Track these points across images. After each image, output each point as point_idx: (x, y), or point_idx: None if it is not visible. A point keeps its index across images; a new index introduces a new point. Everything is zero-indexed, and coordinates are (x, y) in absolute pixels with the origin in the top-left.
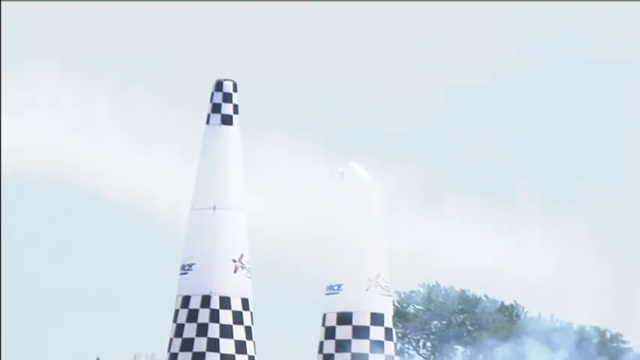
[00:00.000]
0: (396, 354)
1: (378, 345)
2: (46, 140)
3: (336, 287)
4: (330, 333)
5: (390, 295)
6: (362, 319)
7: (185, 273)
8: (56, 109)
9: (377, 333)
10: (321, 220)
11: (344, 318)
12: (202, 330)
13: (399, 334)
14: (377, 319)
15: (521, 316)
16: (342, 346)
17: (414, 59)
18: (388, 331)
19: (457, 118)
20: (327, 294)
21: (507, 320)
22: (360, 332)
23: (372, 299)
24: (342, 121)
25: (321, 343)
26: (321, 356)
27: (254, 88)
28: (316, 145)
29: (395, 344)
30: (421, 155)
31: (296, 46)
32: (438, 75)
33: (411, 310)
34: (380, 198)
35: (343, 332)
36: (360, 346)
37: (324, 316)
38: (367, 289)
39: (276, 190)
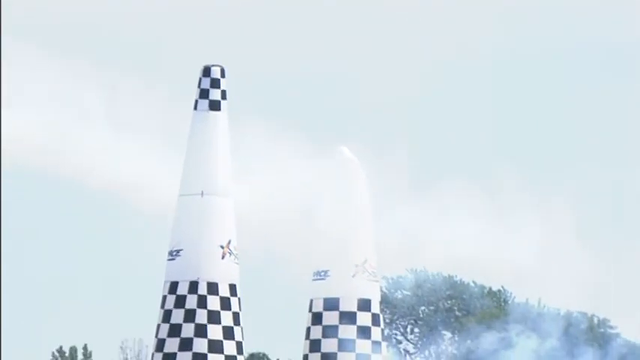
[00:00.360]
0: (383, 340)
1: (365, 330)
2: (34, 129)
3: (322, 273)
4: (317, 319)
5: (377, 281)
6: (349, 305)
7: (173, 259)
8: (44, 99)
9: (364, 319)
10: (308, 205)
11: (331, 304)
12: (190, 316)
13: (387, 320)
14: (364, 304)
15: (509, 302)
16: (329, 331)
17: (401, 46)
18: (375, 317)
19: (444, 104)
20: (314, 280)
21: (495, 306)
22: (347, 318)
23: (358, 285)
24: (329, 107)
25: (308, 329)
26: (308, 342)
27: (242, 74)
28: (303, 131)
29: (382, 330)
30: (408, 141)
31: (283, 32)
32: (424, 62)
33: (398, 295)
34: (366, 184)
35: (330, 318)
36: (347, 331)
37: (311, 301)
38: (354, 275)
39: (264, 176)
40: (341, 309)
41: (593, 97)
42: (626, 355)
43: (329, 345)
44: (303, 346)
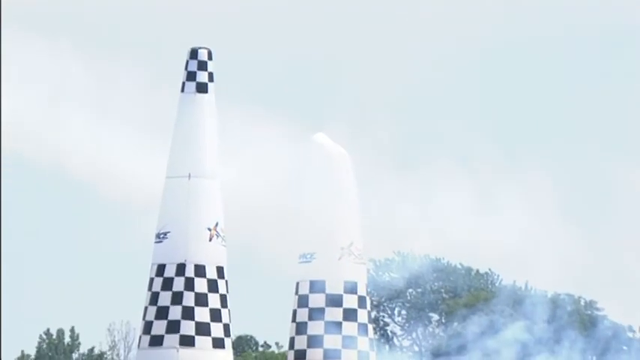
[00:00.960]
0: (370, 322)
1: (351, 313)
2: (21, 114)
3: (308, 256)
4: (303, 301)
5: (364, 264)
6: (335, 288)
7: (160, 241)
8: (28, 83)
9: (350, 301)
10: (294, 189)
11: (317, 286)
12: (177, 298)
13: (374, 303)
14: (350, 287)
15: (496, 284)
16: (315, 314)
17: (385, 30)
18: (362, 299)
19: (431, 87)
20: (300, 263)
21: (482, 288)
22: (334, 300)
23: (345, 267)
24: (315, 91)
25: (295, 312)
26: (294, 324)
27: (229, 58)
28: (290, 115)
29: (369, 312)
30: (394, 125)
31: (270, 16)
32: (408, 45)
33: (386, 278)
34: (351, 167)
35: (316, 300)
36: (333, 314)
37: (297, 284)
38: (340, 258)
39: (250, 159)
40: (327, 291)
41: (578, 80)
42: (611, 337)
43: (315, 327)
44: (289, 328)
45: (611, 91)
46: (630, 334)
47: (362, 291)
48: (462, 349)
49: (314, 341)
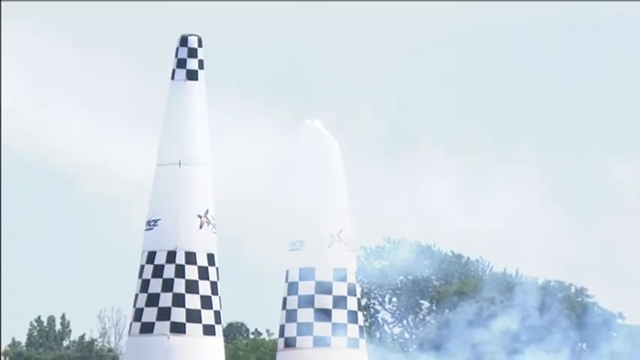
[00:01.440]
0: (360, 309)
1: (341, 300)
2: (10, 104)
3: (298, 243)
4: (293, 289)
5: (354, 251)
6: (324, 275)
7: (150, 229)
8: (18, 70)
9: (340, 288)
10: (283, 176)
11: (306, 274)
12: (168, 285)
13: (365, 290)
14: (339, 274)
15: (487, 271)
16: (305, 301)
17: (372, 16)
18: (351, 287)
19: (420, 75)
20: (290, 250)
21: (472, 275)
22: (323, 288)
23: (334, 255)
24: (305, 79)
25: (285, 299)
26: (284, 312)
27: (218, 45)
28: (278, 101)
29: (358, 300)
30: (383, 112)
31: (261, 4)
32: (398, 33)
33: (377, 265)
34: (340, 154)
35: (306, 288)
36: (323, 301)
37: (287, 272)
38: (329, 245)
39: (239, 146)
40: (317, 279)
41: (567, 67)
42: (601, 324)
43: (305, 315)
44: (279, 316)
45: (604, 80)
46: (620, 321)
47: (352, 278)
48: (451, 336)
49: (303, 329)
